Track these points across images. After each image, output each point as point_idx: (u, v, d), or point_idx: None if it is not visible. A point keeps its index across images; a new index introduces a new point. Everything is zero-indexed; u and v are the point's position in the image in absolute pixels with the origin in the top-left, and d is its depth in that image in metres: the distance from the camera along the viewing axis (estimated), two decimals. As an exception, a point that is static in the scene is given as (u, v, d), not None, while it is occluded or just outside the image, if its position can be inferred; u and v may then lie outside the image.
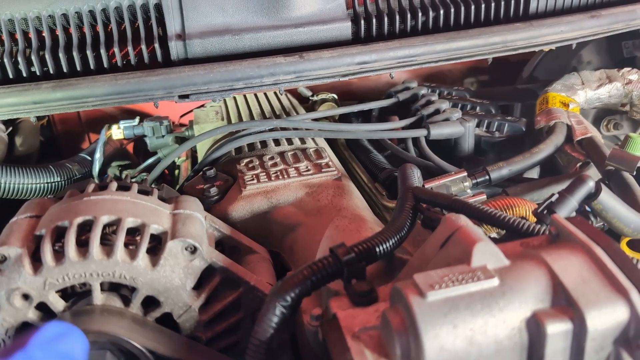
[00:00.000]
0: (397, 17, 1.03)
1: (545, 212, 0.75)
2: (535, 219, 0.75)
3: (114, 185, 0.77)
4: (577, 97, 1.25)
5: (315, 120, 1.23)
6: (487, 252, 0.56)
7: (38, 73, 0.94)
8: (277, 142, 1.14)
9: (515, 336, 0.52)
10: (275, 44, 0.98)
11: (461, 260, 0.56)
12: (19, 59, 0.93)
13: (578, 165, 1.08)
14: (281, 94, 1.32)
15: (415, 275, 0.53)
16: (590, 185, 0.80)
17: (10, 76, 0.93)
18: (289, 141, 1.14)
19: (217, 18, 0.97)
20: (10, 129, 1.27)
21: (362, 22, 1.02)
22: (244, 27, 0.97)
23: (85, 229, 0.69)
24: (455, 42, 1.02)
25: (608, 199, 0.85)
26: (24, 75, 0.94)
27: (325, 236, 0.85)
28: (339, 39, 1.01)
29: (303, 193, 0.98)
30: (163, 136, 1.30)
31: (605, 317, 0.50)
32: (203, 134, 1.16)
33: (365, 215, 0.91)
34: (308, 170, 1.02)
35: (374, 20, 1.03)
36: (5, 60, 0.93)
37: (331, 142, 1.27)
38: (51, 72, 0.94)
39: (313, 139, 1.16)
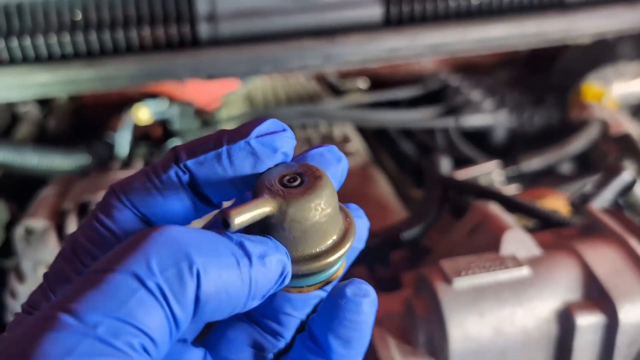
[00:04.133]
0: (429, 1, 1.01)
1: (578, 203, 0.73)
2: (566, 211, 0.74)
3: (139, 163, 0.77)
4: (612, 91, 1.22)
5: (344, 107, 1.22)
6: (517, 241, 0.55)
7: (70, 53, 0.95)
8: (303, 129, 1.13)
9: (544, 327, 0.50)
10: (304, 27, 0.96)
11: (490, 248, 0.55)
12: (53, 39, 0.94)
13: (611, 161, 1.05)
14: (309, 78, 1.31)
15: (442, 262, 0.52)
16: (624, 177, 0.78)
17: (44, 55, 0.94)
18: (316, 128, 1.13)
19: (247, 0, 0.96)
20: (46, 111, 1.28)
21: (393, 5, 1.00)
22: (273, 9, 0.96)
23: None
24: (488, 28, 0.99)
25: (643, 193, 0.82)
26: (57, 55, 0.94)
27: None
28: (369, 22, 0.99)
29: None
30: (190, 120, 1.29)
31: (638, 311, 0.48)
32: (229, 119, 1.15)
33: (390, 203, 0.90)
34: (333, 156, 1.01)
35: (405, 3, 1.00)
36: (40, 40, 0.93)
37: (360, 130, 1.25)
38: (82, 52, 0.95)
39: (340, 126, 1.15)
